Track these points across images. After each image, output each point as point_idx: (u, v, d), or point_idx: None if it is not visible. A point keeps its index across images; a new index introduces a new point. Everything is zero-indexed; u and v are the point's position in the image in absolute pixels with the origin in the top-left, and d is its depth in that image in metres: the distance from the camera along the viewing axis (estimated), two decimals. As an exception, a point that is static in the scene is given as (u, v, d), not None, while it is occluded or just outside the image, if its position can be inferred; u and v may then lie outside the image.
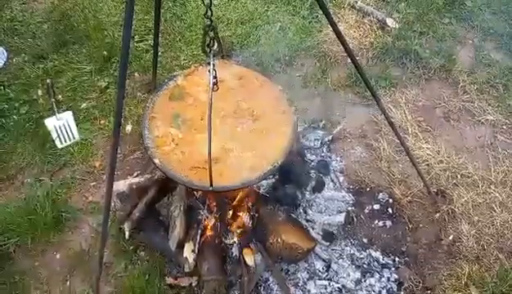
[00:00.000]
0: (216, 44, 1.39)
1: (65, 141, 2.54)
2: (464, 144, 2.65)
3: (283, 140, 1.75)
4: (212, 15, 1.33)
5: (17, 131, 2.58)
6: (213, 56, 1.37)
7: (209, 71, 1.36)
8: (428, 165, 2.49)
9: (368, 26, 3.24)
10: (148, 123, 1.81)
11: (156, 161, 1.68)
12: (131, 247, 2.16)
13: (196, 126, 1.79)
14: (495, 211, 2.33)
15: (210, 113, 1.34)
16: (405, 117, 2.73)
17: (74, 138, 2.57)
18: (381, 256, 2.19)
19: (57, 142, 2.53)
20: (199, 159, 1.67)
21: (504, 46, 3.15)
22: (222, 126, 1.77)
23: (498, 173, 2.48)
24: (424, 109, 2.81)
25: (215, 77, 1.40)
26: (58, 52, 3.02)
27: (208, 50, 1.37)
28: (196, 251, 1.99)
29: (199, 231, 2.04)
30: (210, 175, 1.47)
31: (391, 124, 2.03)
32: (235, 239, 2.05)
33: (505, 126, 2.71)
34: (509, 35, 3.19)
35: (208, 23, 1.33)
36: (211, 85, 1.36)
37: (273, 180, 2.22)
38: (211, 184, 1.51)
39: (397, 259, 2.19)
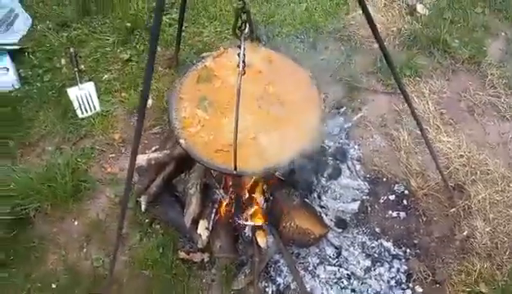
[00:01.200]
0: (247, 27, 1.38)
1: (87, 112, 2.59)
2: (486, 139, 2.61)
3: (309, 127, 1.75)
4: (245, -5, 1.30)
5: (40, 98, 2.63)
6: (244, 40, 1.35)
7: (239, 55, 1.36)
8: (447, 159, 2.47)
9: (397, 11, 3.17)
10: (175, 104, 1.83)
11: (182, 141, 1.71)
12: (146, 220, 2.22)
13: (223, 110, 1.80)
14: (512, 210, 2.31)
15: (239, 98, 1.34)
16: (428, 108, 2.69)
17: (95, 109, 2.61)
18: (392, 247, 2.20)
19: (78, 112, 2.58)
20: (224, 142, 1.69)
21: (538, 41, 3.05)
22: (248, 110, 1.77)
23: (519, 172, 2.45)
24: (449, 101, 2.77)
25: (244, 61, 1.39)
26: (82, 21, 3.03)
27: (239, 33, 1.35)
28: (210, 228, 2.04)
29: (214, 210, 2.09)
30: (235, 159, 1.49)
31: (414, 114, 2.00)
32: (249, 219, 2.09)
33: (530, 124, 2.66)
34: (544, 29, 3.09)
35: (242, 5, 1.32)
36: (240, 69, 1.35)
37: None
38: (235, 168, 1.53)
39: (408, 250, 2.20)
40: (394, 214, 2.32)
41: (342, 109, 2.65)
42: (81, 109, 2.59)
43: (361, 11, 2.99)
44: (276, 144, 1.70)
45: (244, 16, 1.33)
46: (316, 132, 1.74)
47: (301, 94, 1.86)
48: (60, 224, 2.21)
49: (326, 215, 2.23)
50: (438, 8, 3.16)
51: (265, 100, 1.83)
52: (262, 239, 2.03)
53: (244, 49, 1.33)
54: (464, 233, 2.24)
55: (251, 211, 2.06)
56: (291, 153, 1.68)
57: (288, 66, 1.95)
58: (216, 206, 2.09)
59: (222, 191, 2.08)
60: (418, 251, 2.21)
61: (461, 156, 2.49)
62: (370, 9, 3.13)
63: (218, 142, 1.70)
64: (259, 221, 2.05)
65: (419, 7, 3.09)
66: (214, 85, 1.88)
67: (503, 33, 3.11)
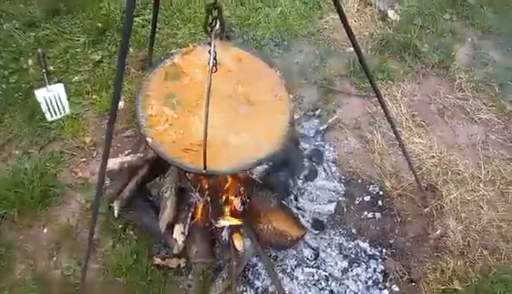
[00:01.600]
0: (218, 24, 1.36)
1: (56, 114, 2.50)
2: (456, 141, 2.68)
3: (279, 128, 1.74)
4: (217, -7, 1.29)
5: (5, 100, 2.52)
6: (215, 37, 1.34)
7: (209, 52, 1.33)
8: (420, 160, 2.53)
9: (369, 16, 3.23)
10: (142, 101, 1.77)
11: (149, 140, 1.66)
12: (119, 226, 2.15)
13: (191, 108, 1.76)
14: (482, 208, 2.38)
15: (208, 96, 1.32)
16: (400, 110, 2.75)
17: (64, 111, 2.52)
18: (369, 247, 2.22)
19: (47, 115, 2.48)
20: (193, 141, 1.65)
21: (502, 46, 3.18)
22: (217, 109, 1.73)
23: (488, 172, 2.52)
24: (420, 104, 2.83)
25: (215, 58, 1.36)
26: (51, 21, 2.93)
27: (209, 29, 1.33)
28: (186, 233, 2.00)
29: (190, 213, 2.04)
30: (204, 158, 1.46)
31: (388, 116, 2.04)
32: (226, 223, 2.06)
33: (497, 126, 2.75)
34: (508, 35, 3.22)
35: (213, 1, 1.30)
36: (211, 66, 1.33)
37: (266, 166, 2.22)
38: (204, 167, 1.49)
39: (384, 250, 2.22)
40: (370, 215, 2.35)
41: (317, 112, 2.67)
42: (50, 112, 2.49)
43: (334, 15, 3.05)
44: (246, 144, 1.68)
45: (215, 13, 1.31)
46: (285, 133, 1.73)
47: (270, 94, 1.85)
48: (28, 232, 2.11)
49: (303, 216, 2.23)
50: (409, 14, 3.24)
51: (234, 100, 1.81)
52: (239, 242, 2.00)
53: (215, 46, 1.31)
54: (438, 232, 2.29)
55: (227, 213, 2.03)
56: (261, 153, 1.66)
57: (258, 66, 1.94)
58: (191, 209, 2.05)
59: (197, 194, 2.03)
60: (393, 250, 2.23)
61: (433, 157, 2.55)
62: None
63: (187, 141, 1.66)
64: (236, 221, 2.02)
65: (391, 13, 3.16)
66: (182, 82, 1.84)
67: (469, 39, 3.23)
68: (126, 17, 1.29)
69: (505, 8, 3.41)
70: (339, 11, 1.61)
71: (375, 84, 1.91)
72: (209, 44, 1.33)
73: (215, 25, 1.36)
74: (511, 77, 2.97)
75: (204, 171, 1.53)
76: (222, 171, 1.66)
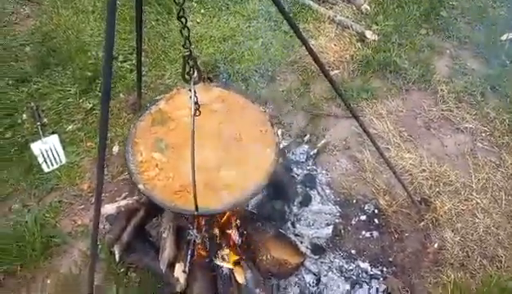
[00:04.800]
0: (196, 72, 1.42)
1: (52, 165, 2.54)
2: (445, 152, 2.72)
3: (266, 162, 1.78)
4: (190, 45, 1.36)
5: (2, 156, 2.57)
6: (194, 84, 1.39)
7: (190, 97, 1.39)
8: (411, 175, 2.56)
9: (348, 39, 3.32)
10: (131, 148, 1.82)
11: (140, 186, 1.69)
12: (121, 270, 2.16)
13: (180, 151, 1.80)
14: (477, 217, 2.40)
15: (193, 138, 1.36)
16: (387, 127, 2.80)
17: (60, 161, 2.56)
18: (369, 267, 2.23)
19: (44, 166, 2.52)
20: (184, 183, 1.69)
21: (479, 55, 3.26)
22: (205, 149, 1.78)
23: (479, 180, 2.55)
24: (406, 119, 2.89)
25: (196, 102, 1.42)
26: (42, 75, 3.02)
27: (188, 78, 1.40)
28: (187, 271, 2.01)
29: (189, 251, 2.06)
30: (195, 200, 1.48)
31: (369, 136, 2.08)
32: (225, 258, 2.07)
33: (483, 134, 2.79)
34: (483, 44, 3.30)
35: (188, 53, 1.36)
36: (193, 112, 1.39)
37: (260, 196, 2.25)
38: (196, 209, 1.53)
39: (384, 269, 2.23)
40: (367, 234, 2.36)
41: (306, 137, 2.72)
42: (46, 163, 2.54)
43: (314, 41, 3.14)
44: (236, 180, 1.71)
45: (191, 63, 1.37)
46: (273, 165, 1.76)
47: (256, 129, 1.89)
48: (33, 285, 2.12)
49: (302, 242, 2.24)
50: (386, 33, 3.33)
51: (221, 138, 1.85)
52: (240, 276, 2.01)
53: (195, 92, 1.37)
54: (436, 246, 2.30)
55: (226, 248, 2.05)
56: (251, 187, 1.69)
57: (241, 103, 1.98)
58: (191, 247, 2.06)
59: (195, 231, 2.05)
60: (394, 268, 2.24)
61: (423, 170, 2.58)
62: (323, 39, 3.31)
63: (177, 183, 1.70)
64: (234, 258, 2.03)
65: (368, 34, 3.25)
66: (169, 127, 1.88)
67: (448, 51, 3.31)
68: (104, 61, 1.33)
69: (477, 18, 3.51)
70: (305, 45, 1.67)
71: (350, 105, 1.95)
72: (190, 91, 1.39)
73: (193, 73, 1.43)
74: (491, 84, 3.03)
75: (195, 213, 1.56)
76: (214, 210, 1.68)
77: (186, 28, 1.32)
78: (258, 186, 1.71)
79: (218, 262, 2.00)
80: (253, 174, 1.74)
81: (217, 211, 1.71)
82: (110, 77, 1.37)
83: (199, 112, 1.53)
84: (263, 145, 1.83)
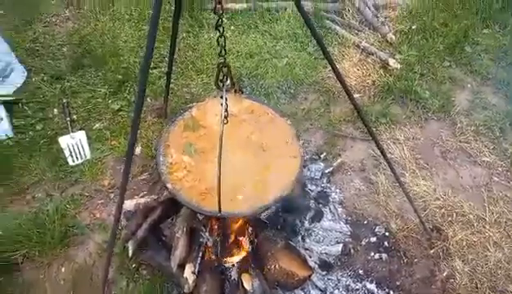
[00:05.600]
0: (228, 80, 1.51)
1: (77, 159, 2.65)
2: (460, 183, 2.73)
3: (290, 172, 1.84)
4: (226, 53, 1.45)
5: (32, 146, 2.69)
6: (225, 91, 1.48)
7: (221, 104, 1.47)
8: (424, 201, 2.57)
9: (371, 65, 3.39)
10: (163, 151, 1.92)
11: (169, 186, 1.78)
12: (133, 265, 2.22)
13: (208, 156, 1.89)
14: (489, 250, 2.39)
15: (221, 144, 1.43)
16: (403, 153, 2.83)
17: (85, 156, 2.67)
18: (376, 289, 2.23)
19: (69, 160, 2.64)
20: (209, 186, 1.76)
21: (500, 91, 3.28)
22: (232, 156, 1.86)
23: (493, 213, 2.55)
24: (423, 147, 2.91)
25: (226, 110, 1.50)
26: (75, 74, 3.17)
27: (221, 85, 1.48)
28: (196, 272, 2.05)
29: (200, 253, 2.11)
30: (219, 202, 1.55)
31: (386, 159, 2.12)
32: (235, 263, 2.12)
33: (500, 168, 2.79)
34: (505, 81, 3.33)
35: (222, 61, 1.45)
36: (222, 117, 1.46)
37: (273, 207, 2.30)
38: (219, 211, 1.59)
39: (391, 292, 2.23)
40: (376, 256, 2.37)
41: (322, 155, 2.77)
42: (72, 157, 2.65)
43: (338, 65, 3.22)
44: (259, 189, 1.78)
45: (224, 70, 1.46)
46: (296, 177, 1.82)
47: (282, 140, 1.97)
48: (48, 271, 2.19)
49: (310, 257, 2.27)
50: (409, 63, 3.40)
51: (248, 147, 1.93)
52: (247, 282, 2.05)
53: (226, 99, 1.45)
54: (445, 274, 2.30)
55: (237, 253, 2.09)
56: (272, 196, 1.76)
57: (269, 115, 2.07)
58: (202, 249, 2.12)
59: (207, 234, 2.11)
60: (401, 292, 2.24)
61: (437, 199, 2.60)
62: (347, 63, 3.40)
63: (203, 186, 1.78)
64: (244, 264, 2.07)
65: (391, 62, 3.32)
66: (200, 133, 1.99)
67: (469, 85, 3.34)
68: (141, 70, 1.43)
69: (501, 55, 3.54)
70: (334, 70, 1.74)
71: (371, 130, 2.00)
72: (221, 97, 1.48)
73: (226, 81, 1.51)
74: (511, 120, 3.04)
75: (218, 215, 1.62)
76: (236, 213, 1.75)
77: (222, 37, 1.40)
78: (281, 195, 1.76)
79: (228, 265, 2.04)
80: (276, 183, 1.80)
81: (238, 214, 1.78)
82: (146, 83, 1.47)
83: (227, 120, 1.61)
84: (289, 156, 1.90)
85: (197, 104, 2.10)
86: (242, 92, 1.96)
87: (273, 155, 1.91)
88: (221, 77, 1.47)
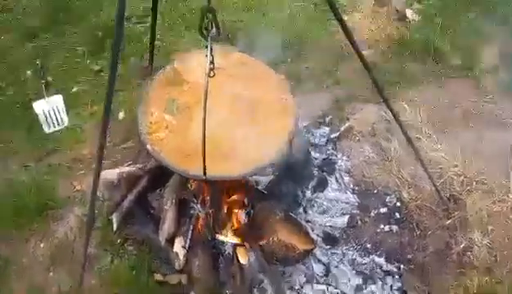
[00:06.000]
0: (214, 27, 1.49)
1: (54, 126, 2.66)
2: (482, 148, 2.73)
3: (283, 133, 1.85)
4: (212, -6, 1.43)
5: (3, 113, 2.73)
6: (211, 40, 1.46)
7: (206, 55, 1.47)
8: (441, 168, 2.59)
9: (386, 17, 3.36)
10: (143, 108, 1.93)
11: (148, 147, 1.80)
12: (118, 240, 2.28)
13: (192, 113, 1.90)
14: (511, 221, 2.42)
15: (205, 100, 1.43)
16: (419, 116, 2.83)
17: (63, 123, 2.69)
18: (385, 263, 2.28)
19: (45, 127, 2.65)
20: (194, 147, 1.76)
21: (531, 46, 3.25)
22: (219, 114, 1.86)
23: (517, 181, 2.57)
24: (442, 109, 2.91)
25: (212, 62, 1.48)
26: (49, 31, 3.17)
27: (205, 33, 1.46)
28: (187, 246, 2.11)
29: (191, 226, 2.16)
30: (204, 164, 1.56)
31: (399, 122, 2.13)
32: (229, 236, 2.17)
33: (527, 132, 2.80)
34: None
35: (206, 4, 1.44)
36: (207, 69, 1.46)
37: (272, 176, 2.33)
38: (204, 173, 1.61)
39: (401, 266, 2.28)
40: (386, 228, 2.41)
41: (328, 119, 2.79)
42: (48, 124, 2.67)
43: (346, 17, 3.19)
44: (250, 150, 1.78)
45: (209, 16, 1.44)
46: (290, 138, 1.83)
47: (274, 98, 1.97)
48: (25, 246, 2.26)
49: (313, 230, 2.32)
50: (429, 14, 3.36)
51: (238, 104, 1.93)
52: (243, 256, 2.10)
53: (212, 49, 1.44)
54: (461, 247, 2.34)
55: (231, 226, 2.15)
56: (265, 158, 1.77)
57: (261, 70, 2.07)
58: (193, 222, 2.16)
59: (199, 206, 2.16)
60: (412, 266, 2.28)
61: (456, 165, 2.61)
62: (358, 15, 3.35)
63: (188, 147, 1.78)
64: (239, 238, 2.12)
65: (409, 13, 3.29)
66: (183, 88, 1.99)
67: (496, 39, 3.30)
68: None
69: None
70: (341, 23, 1.72)
71: (382, 91, 2.00)
72: (206, 47, 1.47)
73: (211, 28, 1.50)
74: (543, 78, 3.03)
75: (204, 178, 1.65)
76: (223, 176, 1.77)
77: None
78: (274, 157, 1.78)
79: (222, 238, 2.09)
80: (268, 145, 1.80)
81: (225, 177, 1.79)
82: (122, 32, 1.45)
83: (214, 73, 1.61)
84: (281, 116, 1.91)
85: (179, 56, 2.09)
86: (231, 42, 1.94)
87: (265, 114, 1.91)
88: (205, 25, 1.46)
